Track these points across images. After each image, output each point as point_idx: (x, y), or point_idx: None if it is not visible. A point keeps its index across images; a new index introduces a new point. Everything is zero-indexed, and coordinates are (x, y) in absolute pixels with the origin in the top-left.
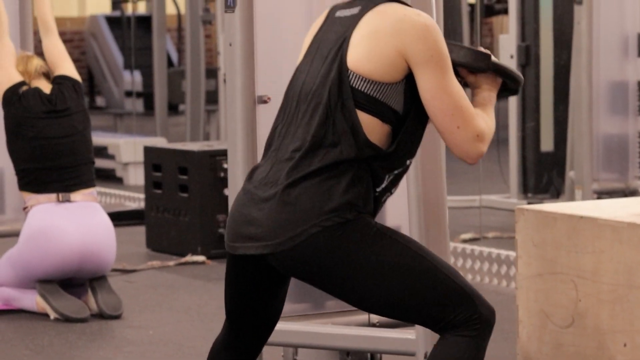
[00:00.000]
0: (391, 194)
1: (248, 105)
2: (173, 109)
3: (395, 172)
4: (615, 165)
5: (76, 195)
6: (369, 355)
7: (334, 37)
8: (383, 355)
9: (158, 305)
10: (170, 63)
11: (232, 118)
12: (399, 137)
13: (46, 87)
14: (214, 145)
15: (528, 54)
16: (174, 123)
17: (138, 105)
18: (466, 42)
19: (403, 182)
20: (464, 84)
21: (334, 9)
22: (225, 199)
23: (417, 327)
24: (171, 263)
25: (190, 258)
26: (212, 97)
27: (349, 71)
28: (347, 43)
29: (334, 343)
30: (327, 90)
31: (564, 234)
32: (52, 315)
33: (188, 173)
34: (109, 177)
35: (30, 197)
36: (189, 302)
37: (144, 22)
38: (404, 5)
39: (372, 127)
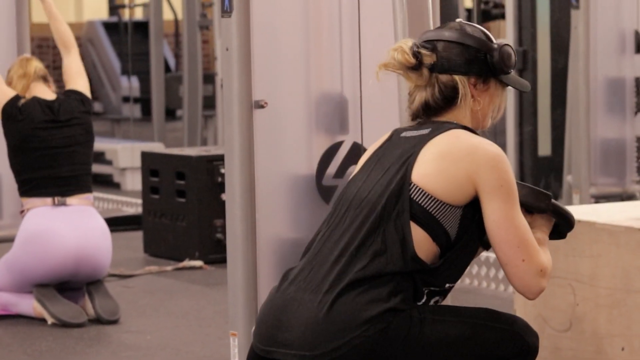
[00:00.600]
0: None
1: (245, 110)
2: (170, 114)
3: (432, 288)
4: (613, 170)
5: (72, 200)
6: None
7: (398, 152)
8: None
9: (156, 310)
10: (167, 68)
11: (230, 123)
12: (445, 256)
13: (44, 92)
14: (211, 150)
15: (525, 58)
16: (171, 128)
17: (135, 110)
18: None
19: None
20: None
21: (399, 130)
22: (222, 204)
23: None
24: (169, 268)
25: (187, 263)
26: (209, 102)
27: (412, 184)
28: (415, 158)
29: None
30: (385, 199)
31: None
32: (50, 320)
33: (185, 178)
34: (107, 183)
35: (28, 201)
36: (186, 307)
37: (141, 27)
38: (475, 134)
39: (423, 243)
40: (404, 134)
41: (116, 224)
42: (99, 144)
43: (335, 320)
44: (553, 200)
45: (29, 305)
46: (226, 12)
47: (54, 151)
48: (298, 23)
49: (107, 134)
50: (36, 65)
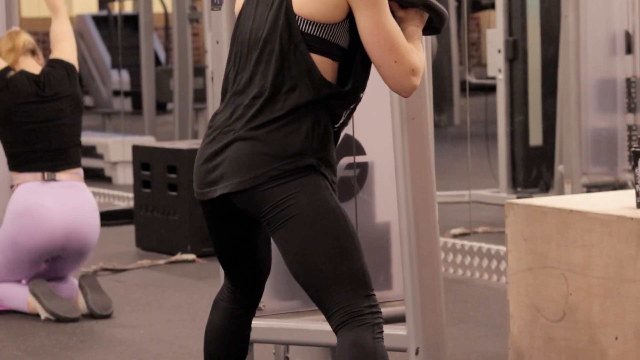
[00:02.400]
0: (347, 125)
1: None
2: (161, 107)
3: (352, 107)
4: (605, 159)
5: (62, 175)
6: None
7: None
8: None
9: (148, 305)
10: (157, 62)
11: None
12: (352, 75)
13: (33, 66)
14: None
15: (516, 48)
16: (162, 122)
17: (126, 104)
18: (454, 38)
19: (392, 179)
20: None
21: None
22: None
23: (408, 323)
24: (161, 262)
25: (180, 257)
26: (200, 95)
27: (296, 16)
28: None
29: (325, 340)
30: (279, 36)
31: (553, 228)
32: (43, 315)
33: (177, 172)
34: (98, 177)
35: (18, 176)
36: (179, 301)
37: (131, 21)
38: None
39: (325, 67)
40: None
41: (108, 218)
42: (90, 138)
43: (256, 152)
44: None
45: (22, 300)
46: (216, 4)
47: (41, 125)
48: None
49: (97, 128)
50: (25, 38)
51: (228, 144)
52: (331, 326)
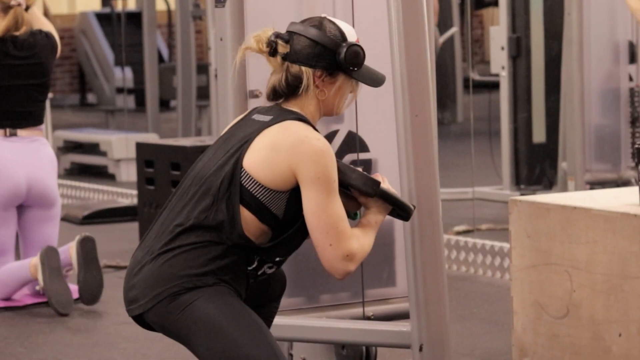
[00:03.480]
0: (271, 268)
1: (240, 100)
2: (164, 105)
3: (264, 259)
4: (608, 156)
5: (22, 132)
6: (364, 348)
7: (241, 135)
8: (378, 348)
9: None
10: (161, 59)
11: (224, 113)
12: (277, 240)
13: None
14: (206, 140)
15: (519, 45)
16: (165, 119)
17: (129, 101)
18: (457, 35)
19: (396, 176)
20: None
21: (254, 110)
22: None
23: (412, 319)
24: None
25: None
26: (203, 93)
27: (242, 169)
28: (249, 145)
29: (329, 337)
30: (220, 181)
31: (557, 224)
32: (40, 285)
33: (180, 169)
34: (101, 174)
35: None
36: None
37: (134, 18)
38: (310, 126)
39: (250, 223)
40: (254, 116)
41: (112, 215)
42: (94, 135)
43: (162, 271)
44: (385, 188)
45: (26, 265)
46: (220, 2)
47: (10, 87)
48: (292, 12)
49: (101, 125)
50: None
51: (143, 265)
52: None
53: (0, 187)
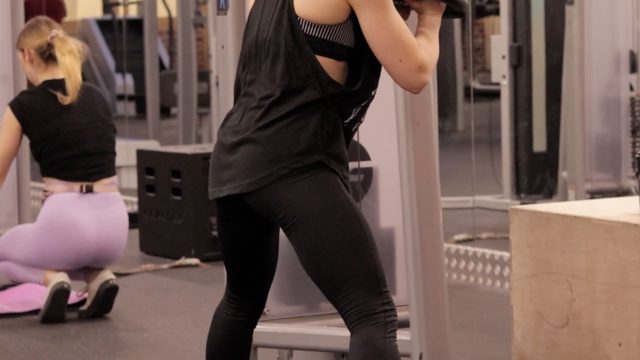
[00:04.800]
0: (361, 122)
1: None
2: (165, 112)
3: (362, 104)
4: (608, 165)
5: (98, 186)
6: None
7: None
8: None
9: (152, 309)
10: (162, 66)
11: None
12: (362, 74)
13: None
14: (206, 148)
15: (520, 54)
16: (166, 126)
17: (130, 108)
18: (458, 43)
19: (397, 184)
20: (410, 10)
21: None
22: None
23: (412, 328)
24: (165, 266)
25: (183, 261)
26: (204, 100)
27: (299, 18)
28: None
29: (329, 345)
30: (283, 38)
31: (557, 234)
32: (46, 296)
33: (181, 176)
34: None
35: (52, 183)
36: (183, 305)
37: (135, 25)
38: None
39: (330, 67)
40: None
41: None
42: None
43: (265, 151)
44: None
45: (38, 275)
46: (222, 9)
47: (77, 127)
48: None
49: None
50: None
51: (238, 143)
52: (346, 325)
53: (63, 253)
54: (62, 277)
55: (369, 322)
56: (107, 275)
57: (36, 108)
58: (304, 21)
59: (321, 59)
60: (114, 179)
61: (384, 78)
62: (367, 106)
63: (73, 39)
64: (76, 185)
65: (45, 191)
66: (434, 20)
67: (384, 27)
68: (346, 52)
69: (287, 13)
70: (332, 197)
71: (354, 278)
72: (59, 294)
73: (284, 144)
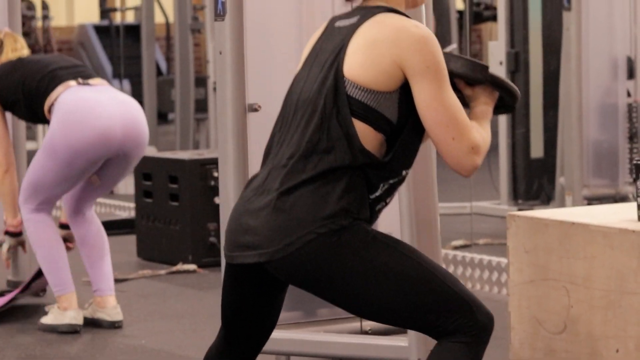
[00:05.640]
0: (386, 204)
1: (239, 114)
2: (162, 117)
3: (390, 181)
4: (606, 171)
5: (93, 81)
6: None
7: (331, 46)
8: None
9: (150, 314)
10: (159, 72)
11: (223, 126)
12: (395, 148)
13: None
14: (204, 153)
15: (517, 60)
16: (163, 132)
17: None
18: (455, 49)
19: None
20: (462, 100)
21: (334, 19)
22: (215, 207)
23: (410, 334)
24: (162, 272)
25: (181, 267)
26: (201, 106)
27: (345, 79)
28: (344, 51)
29: (326, 351)
30: (323, 97)
31: (555, 240)
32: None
33: (178, 182)
34: None
35: (51, 96)
36: (180, 311)
37: (133, 31)
38: (403, 16)
39: (366, 135)
40: (337, 24)
41: (109, 228)
42: None
43: (289, 217)
44: (492, 72)
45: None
46: (219, 15)
47: (62, 59)
48: (291, 26)
49: None
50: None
51: (261, 208)
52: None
53: (88, 133)
54: (74, 318)
55: (459, 339)
56: (117, 315)
57: None
58: (350, 83)
59: (358, 124)
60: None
61: None
62: (395, 186)
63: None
64: (71, 82)
65: (49, 111)
66: (488, 109)
67: (439, 102)
68: (386, 124)
69: (334, 72)
70: (369, 248)
71: (435, 310)
72: (68, 331)
73: (307, 210)
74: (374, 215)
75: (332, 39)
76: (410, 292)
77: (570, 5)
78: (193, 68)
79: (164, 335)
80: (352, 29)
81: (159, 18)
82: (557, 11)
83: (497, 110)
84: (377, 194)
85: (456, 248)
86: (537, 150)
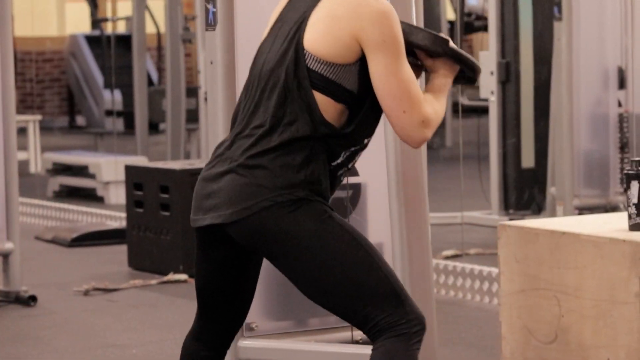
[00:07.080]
0: (348, 169)
1: (230, 124)
2: (154, 127)
3: (352, 149)
4: (596, 181)
5: None
6: None
7: (295, 16)
8: None
9: (141, 324)
10: (150, 82)
11: (215, 136)
12: (357, 118)
13: None
14: (195, 163)
15: (508, 70)
16: (154, 142)
17: (118, 124)
18: None
19: (385, 200)
20: (423, 68)
21: None
22: None
23: None
24: (153, 282)
25: (172, 277)
26: (192, 116)
27: (305, 51)
28: (305, 24)
29: None
30: (284, 70)
31: (546, 249)
32: None
33: (169, 192)
34: (90, 197)
35: None
36: (171, 321)
37: (124, 41)
38: None
39: (327, 107)
40: None
41: (100, 237)
42: (83, 158)
43: (250, 182)
44: (453, 46)
45: None
46: (210, 25)
47: None
48: None
49: (90, 148)
50: None
51: (224, 173)
52: (370, 340)
53: None
54: None
55: (391, 334)
56: None
57: None
58: (310, 55)
59: (319, 96)
60: None
61: None
62: (356, 153)
63: None
64: None
65: None
66: (447, 81)
67: (393, 75)
68: (347, 95)
69: (295, 45)
70: (322, 225)
71: (368, 298)
72: None
73: (267, 177)
74: (335, 181)
75: (297, 8)
76: (352, 275)
77: (561, 15)
78: (184, 78)
79: (155, 345)
80: (314, 1)
81: (150, 28)
82: (548, 21)
83: (458, 81)
84: (339, 161)
85: (447, 258)
86: (528, 160)
